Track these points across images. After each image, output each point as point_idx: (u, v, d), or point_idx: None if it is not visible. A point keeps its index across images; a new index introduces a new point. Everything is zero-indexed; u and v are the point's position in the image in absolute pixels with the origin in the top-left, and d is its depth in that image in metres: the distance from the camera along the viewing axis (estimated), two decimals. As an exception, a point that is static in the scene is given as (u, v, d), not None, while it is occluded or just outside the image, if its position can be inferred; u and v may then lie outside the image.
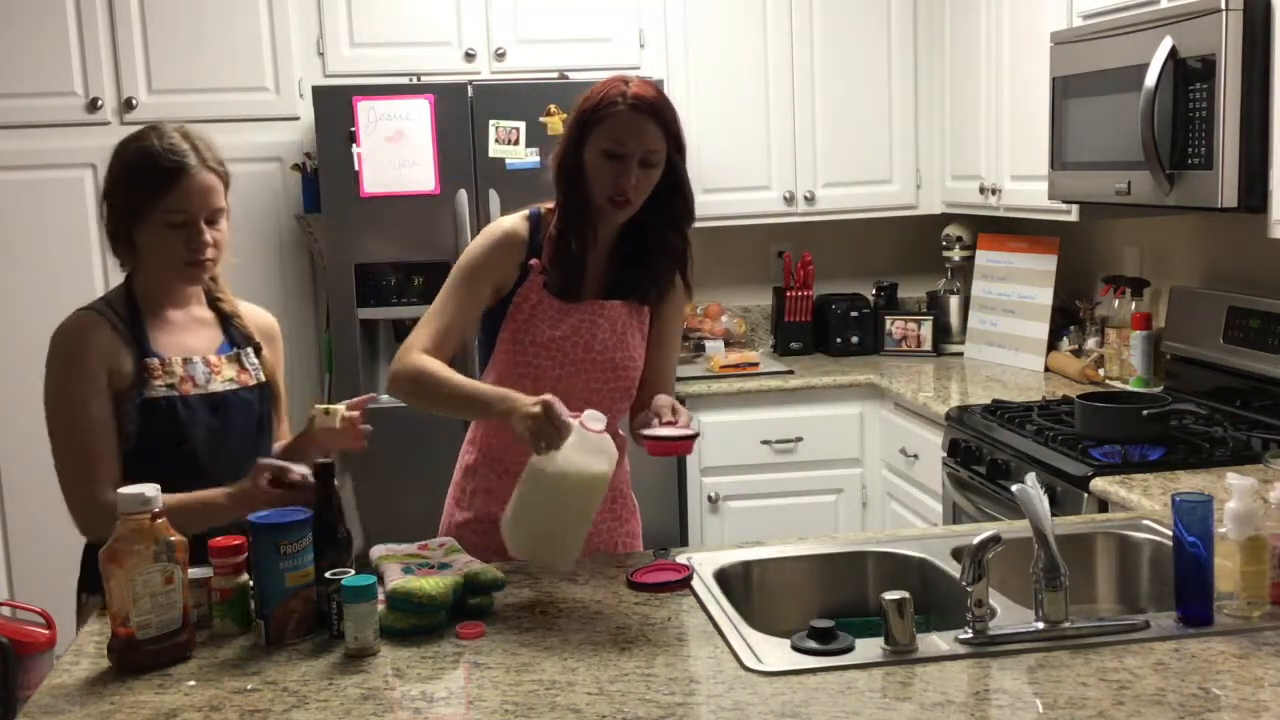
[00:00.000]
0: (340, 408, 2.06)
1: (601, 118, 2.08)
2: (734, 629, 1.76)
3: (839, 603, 2.06)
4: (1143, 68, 2.78)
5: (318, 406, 2.07)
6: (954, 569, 1.93)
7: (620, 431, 2.29)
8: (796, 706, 1.51)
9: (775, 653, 1.67)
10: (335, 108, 3.73)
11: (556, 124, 3.73)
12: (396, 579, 1.81)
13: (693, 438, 2.01)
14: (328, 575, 1.76)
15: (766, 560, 2.10)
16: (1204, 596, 1.72)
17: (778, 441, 3.95)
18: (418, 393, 2.11)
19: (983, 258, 4.26)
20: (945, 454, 3.32)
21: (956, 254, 4.39)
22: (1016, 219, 3.93)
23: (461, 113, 3.79)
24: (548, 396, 1.90)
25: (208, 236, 2.03)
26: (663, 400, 2.09)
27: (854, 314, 4.40)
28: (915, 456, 3.68)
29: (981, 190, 3.94)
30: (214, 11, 3.92)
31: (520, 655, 1.70)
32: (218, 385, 2.09)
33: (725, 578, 2.00)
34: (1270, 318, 3.00)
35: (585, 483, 1.87)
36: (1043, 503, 1.72)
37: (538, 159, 3.75)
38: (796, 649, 1.67)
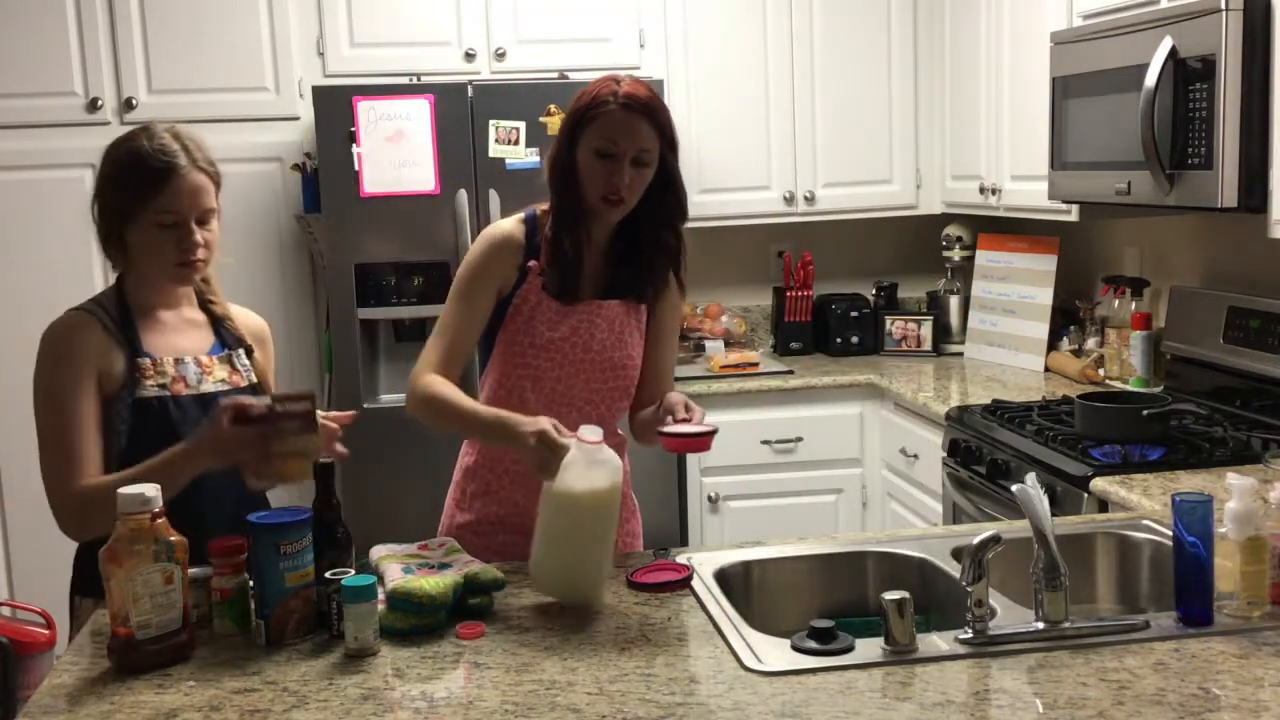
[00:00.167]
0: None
1: (593, 117, 2.08)
2: (734, 629, 1.76)
3: (839, 603, 2.06)
4: (1143, 68, 2.78)
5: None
6: (954, 569, 1.93)
7: (619, 431, 2.30)
8: (796, 706, 1.51)
9: (775, 653, 1.67)
10: (335, 108, 3.73)
11: (556, 124, 3.72)
12: (396, 579, 1.81)
13: (712, 434, 2.01)
14: (328, 575, 1.76)
15: (766, 560, 2.10)
16: (1204, 596, 1.72)
17: (778, 441, 3.95)
18: (431, 418, 2.13)
19: (983, 258, 4.26)
20: (945, 454, 3.32)
21: (956, 254, 4.39)
22: (1016, 219, 3.93)
23: (461, 113, 3.79)
24: (542, 425, 1.89)
25: (198, 237, 2.03)
26: (675, 398, 2.09)
27: (854, 314, 4.40)
28: (915, 456, 3.68)
29: (981, 190, 3.94)
30: (214, 11, 3.92)
31: (520, 655, 1.70)
32: (209, 386, 2.08)
33: (725, 578, 2.00)
34: (1270, 318, 3.00)
35: (593, 500, 1.84)
36: (1043, 503, 1.72)
37: (538, 159, 3.75)
38: (796, 649, 1.67)
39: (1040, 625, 1.69)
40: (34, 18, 3.83)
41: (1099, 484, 2.56)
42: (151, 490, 1.68)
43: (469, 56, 4.04)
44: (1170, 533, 1.79)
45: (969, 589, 1.67)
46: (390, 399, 3.90)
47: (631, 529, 2.35)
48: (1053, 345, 3.92)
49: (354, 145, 3.73)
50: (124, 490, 1.67)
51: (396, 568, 1.88)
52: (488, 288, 2.16)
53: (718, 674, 1.62)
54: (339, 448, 2.03)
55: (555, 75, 4.00)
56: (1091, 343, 3.76)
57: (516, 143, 3.80)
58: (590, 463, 1.83)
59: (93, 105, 3.87)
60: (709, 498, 3.97)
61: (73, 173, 3.83)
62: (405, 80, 3.89)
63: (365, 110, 3.72)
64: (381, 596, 1.78)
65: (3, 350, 3.73)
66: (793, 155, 4.27)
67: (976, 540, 1.66)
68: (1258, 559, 1.73)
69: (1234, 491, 1.74)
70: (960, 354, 4.29)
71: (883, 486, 3.98)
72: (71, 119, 3.86)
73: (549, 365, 2.16)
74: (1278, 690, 1.52)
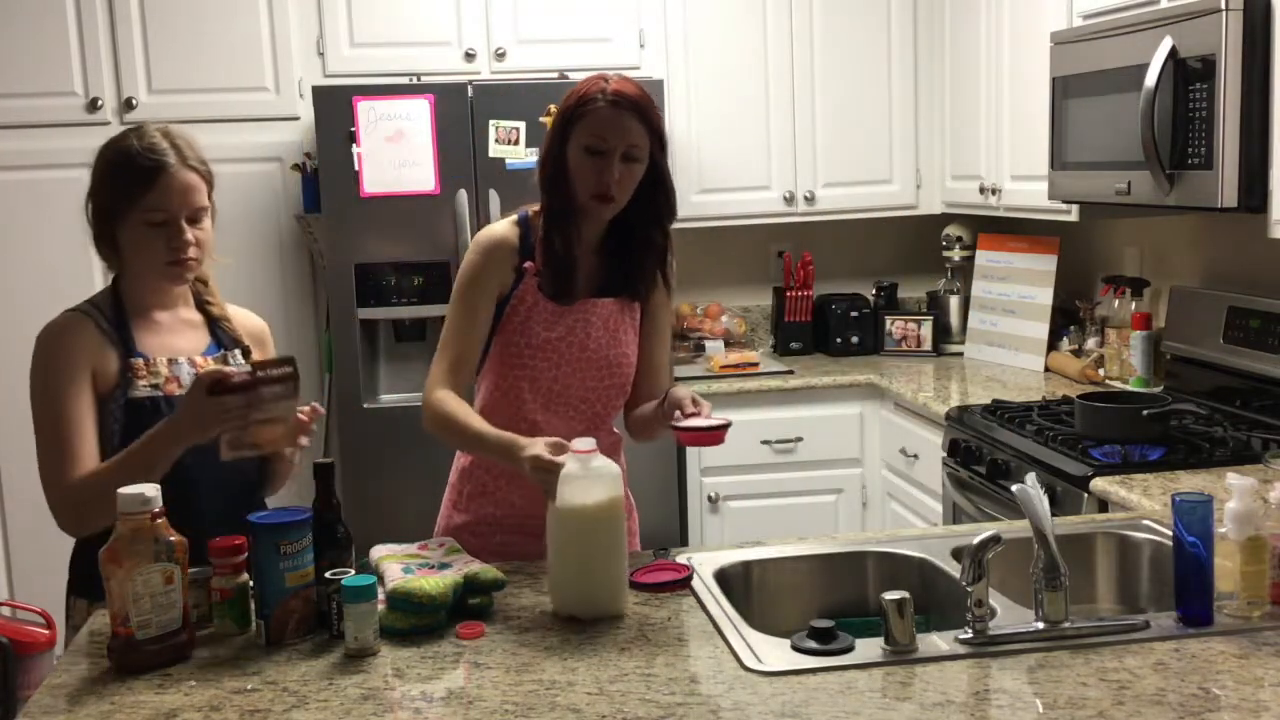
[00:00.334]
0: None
1: (582, 115, 2.09)
2: (734, 629, 1.76)
3: (839, 603, 2.06)
4: (1143, 68, 2.78)
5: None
6: (954, 569, 1.93)
7: (615, 429, 2.30)
8: (796, 706, 1.51)
9: (775, 653, 1.67)
10: (335, 108, 3.73)
11: (556, 124, 3.73)
12: (396, 579, 1.81)
13: (726, 427, 2.01)
14: (328, 575, 1.76)
15: (766, 560, 2.10)
16: (1204, 596, 1.72)
17: (778, 441, 3.95)
18: (443, 436, 2.14)
19: (983, 258, 4.26)
20: (945, 454, 3.32)
21: (956, 254, 4.39)
22: (1016, 219, 3.93)
23: (461, 113, 3.79)
24: (535, 450, 1.89)
25: (189, 235, 2.02)
26: (682, 392, 2.10)
27: (854, 314, 4.40)
28: (915, 456, 3.68)
29: (981, 190, 3.94)
30: (214, 11, 3.92)
31: (520, 655, 1.70)
32: None
33: (725, 578, 2.00)
34: (1270, 318, 3.00)
35: (596, 512, 1.83)
36: (1043, 503, 1.72)
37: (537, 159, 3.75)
38: (796, 649, 1.67)
39: (1040, 625, 1.69)
40: (34, 18, 3.83)
41: (1099, 484, 2.56)
42: (151, 490, 1.68)
43: (469, 56, 4.04)
44: (1170, 533, 1.79)
45: (969, 589, 1.67)
46: (390, 399, 3.90)
47: (629, 527, 2.35)
48: (1053, 345, 3.92)
49: (354, 145, 3.73)
50: (124, 490, 1.67)
51: (396, 568, 1.87)
52: (487, 292, 2.16)
53: (718, 674, 1.62)
54: (302, 440, 2.02)
55: (555, 75, 4.00)
56: (1091, 343, 3.77)
57: (516, 143, 3.80)
58: (589, 475, 1.83)
59: (93, 105, 3.87)
60: (709, 498, 3.97)
61: (73, 173, 3.81)
62: (405, 80, 3.89)
63: (365, 110, 3.72)
64: (381, 596, 1.78)
65: (3, 350, 3.73)
66: (793, 155, 4.27)
67: (976, 540, 1.66)
68: (1258, 559, 1.73)
69: (1234, 491, 1.74)
70: (960, 354, 4.29)
71: (883, 486, 3.98)
72: (71, 119, 3.86)
73: (546, 365, 2.17)
74: (1278, 690, 1.52)
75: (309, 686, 1.62)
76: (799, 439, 3.96)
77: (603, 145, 2.07)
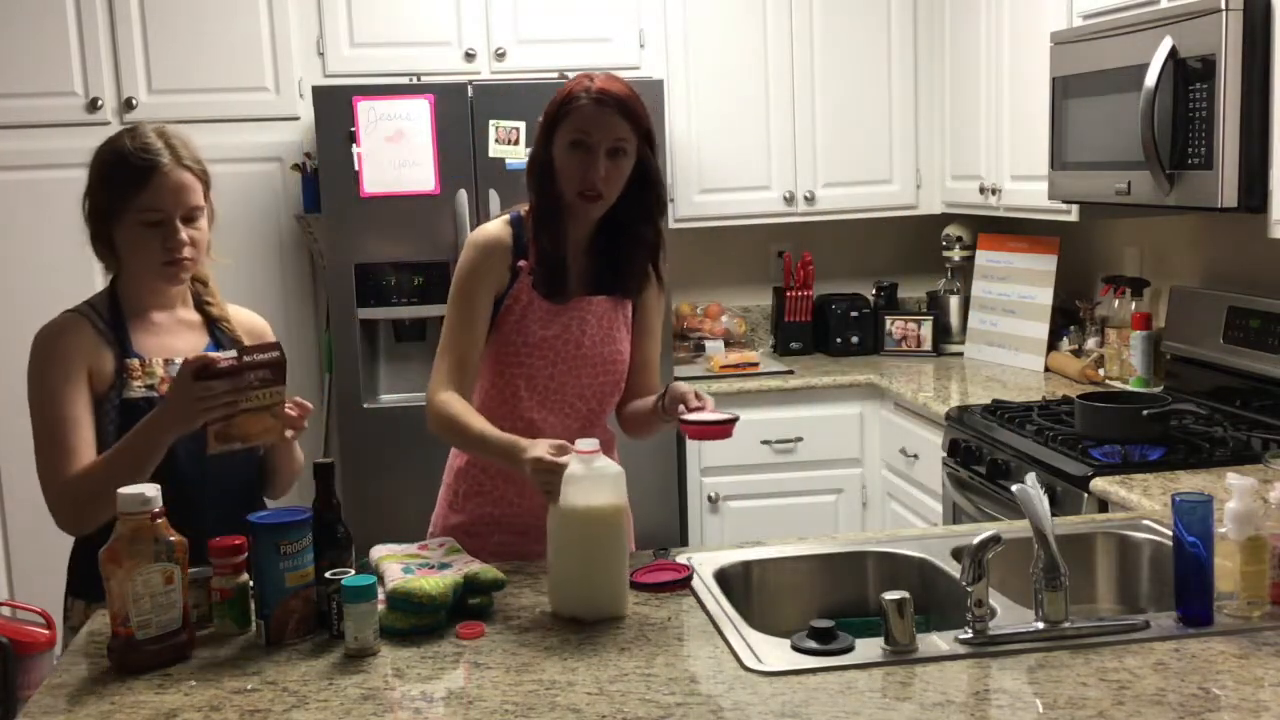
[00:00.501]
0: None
1: (567, 113, 2.11)
2: (734, 629, 1.76)
3: (839, 603, 2.06)
4: (1143, 68, 2.78)
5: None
6: (954, 569, 1.93)
7: (609, 427, 2.30)
8: (796, 706, 1.51)
9: (775, 653, 1.67)
10: (335, 108, 3.73)
11: (556, 124, 3.73)
12: (396, 579, 1.81)
13: (734, 421, 2.01)
14: (328, 575, 1.76)
15: (766, 560, 2.10)
16: (1204, 596, 1.72)
17: (778, 441, 3.95)
18: (447, 438, 2.14)
19: (983, 258, 4.26)
20: (945, 454, 3.32)
21: (956, 254, 4.39)
22: (1016, 219, 3.93)
23: (461, 113, 3.79)
24: (537, 451, 1.89)
25: (184, 235, 2.02)
26: (683, 387, 2.10)
27: (854, 314, 4.40)
28: (915, 456, 3.68)
29: (981, 190, 3.94)
30: (214, 11, 3.92)
31: (520, 655, 1.70)
32: None
33: (725, 578, 2.00)
34: (1270, 318, 3.00)
35: (600, 513, 1.83)
36: (1043, 503, 1.72)
37: (537, 159, 3.75)
38: (796, 649, 1.67)
39: (1040, 625, 1.69)
40: (34, 18, 3.83)
41: (1099, 484, 2.56)
42: (151, 490, 1.68)
43: (469, 56, 4.04)
44: (1170, 533, 1.79)
45: (969, 589, 1.67)
46: (390, 399, 3.90)
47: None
48: (1053, 345, 3.92)
49: (354, 145, 3.73)
50: (124, 490, 1.67)
51: (396, 568, 1.87)
52: (485, 292, 2.16)
53: (718, 674, 1.62)
54: (289, 433, 2.01)
55: (555, 75, 3.99)
56: (1091, 343, 3.77)
57: (516, 143, 3.80)
58: (592, 476, 1.83)
59: (93, 105, 3.87)
60: (709, 498, 3.97)
61: (73, 173, 3.75)
62: (405, 80, 3.89)
63: (365, 110, 3.72)
64: (381, 596, 1.78)
65: (3, 350, 3.73)
66: (793, 155, 4.27)
67: (976, 540, 1.66)
68: (1258, 559, 1.73)
69: (1234, 491, 1.74)
70: (960, 354, 4.29)
71: (883, 486, 3.98)
72: (71, 119, 3.85)
73: (542, 363, 2.17)
74: (1278, 690, 1.52)
75: (309, 686, 1.62)
76: (799, 439, 3.96)
77: (587, 139, 2.08)
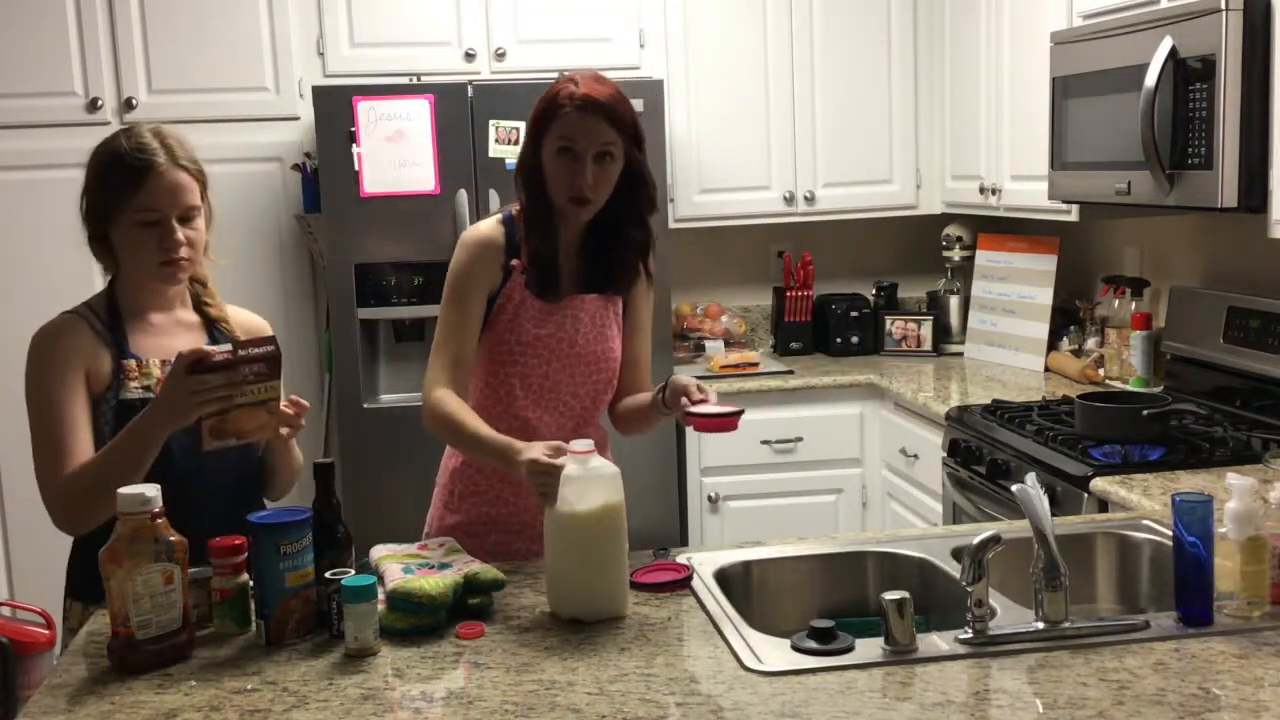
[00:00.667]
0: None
1: (551, 119, 2.11)
2: (734, 629, 1.76)
3: (839, 603, 2.06)
4: (1143, 68, 2.78)
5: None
6: (954, 569, 1.93)
7: (601, 425, 2.31)
8: (796, 706, 1.51)
9: (775, 653, 1.67)
10: (335, 108, 3.73)
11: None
12: (396, 579, 1.81)
13: (739, 413, 2.01)
14: (328, 575, 1.76)
15: (766, 560, 2.10)
16: (1204, 596, 1.72)
17: (778, 441, 3.95)
18: (442, 436, 2.15)
19: (983, 258, 4.26)
20: (945, 454, 3.32)
21: (956, 254, 4.39)
22: (1016, 219, 3.93)
23: (461, 113, 3.79)
24: (533, 454, 1.88)
25: (180, 235, 2.02)
26: (685, 380, 2.10)
27: (854, 314, 4.40)
28: (915, 456, 3.68)
29: (981, 190, 3.94)
30: (214, 11, 3.92)
31: (520, 655, 1.70)
32: None
33: (725, 578, 2.00)
34: (1270, 318, 3.00)
35: (598, 514, 1.83)
36: (1043, 503, 1.72)
37: (537, 159, 3.75)
38: (796, 649, 1.67)
39: (1040, 625, 1.69)
40: (34, 18, 3.83)
41: (1099, 484, 2.56)
42: (151, 490, 1.68)
43: (469, 56, 4.04)
44: (1170, 533, 1.79)
45: (969, 589, 1.67)
46: (390, 399, 3.90)
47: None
48: (1053, 345, 3.92)
49: (354, 145, 3.73)
50: (124, 490, 1.67)
51: (396, 568, 1.87)
52: (478, 291, 2.17)
53: (718, 674, 1.62)
54: (285, 430, 2.01)
55: (555, 75, 3.98)
56: (1091, 343, 3.77)
57: (516, 143, 3.80)
58: (589, 476, 1.83)
59: (93, 105, 3.87)
60: (709, 498, 3.97)
61: (73, 173, 3.74)
62: (405, 80, 3.89)
63: (365, 110, 3.72)
64: (381, 596, 1.78)
65: (3, 350, 3.73)
66: (793, 155, 4.27)
67: (976, 540, 1.66)
68: (1258, 559, 1.73)
69: (1234, 491, 1.74)
70: (960, 354, 4.29)
71: (883, 486, 3.98)
72: (71, 119, 3.85)
73: (536, 362, 2.17)
74: (1278, 690, 1.52)
75: (309, 686, 1.62)
76: (799, 439, 3.96)
77: (574, 146, 2.08)
